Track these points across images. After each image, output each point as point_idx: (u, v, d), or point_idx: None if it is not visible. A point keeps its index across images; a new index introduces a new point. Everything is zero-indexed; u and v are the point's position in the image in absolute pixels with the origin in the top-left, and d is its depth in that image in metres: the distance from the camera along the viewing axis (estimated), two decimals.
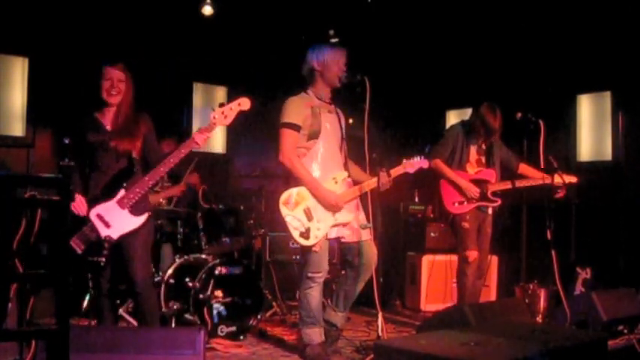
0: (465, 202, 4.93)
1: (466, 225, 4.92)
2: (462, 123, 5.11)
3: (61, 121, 5.55)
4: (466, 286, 4.91)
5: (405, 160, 4.19)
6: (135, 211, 3.55)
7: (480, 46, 6.61)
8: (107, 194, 3.54)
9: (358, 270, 4.05)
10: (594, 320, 4.16)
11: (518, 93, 6.24)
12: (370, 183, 4.03)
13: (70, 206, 3.42)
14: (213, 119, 3.62)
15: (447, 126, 7.27)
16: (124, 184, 3.55)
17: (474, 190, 4.90)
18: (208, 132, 3.60)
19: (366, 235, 4.03)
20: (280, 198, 3.92)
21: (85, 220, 3.49)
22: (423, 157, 4.25)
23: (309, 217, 3.89)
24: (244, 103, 3.67)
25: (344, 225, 3.99)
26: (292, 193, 3.92)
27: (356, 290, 4.11)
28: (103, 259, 3.46)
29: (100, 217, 3.50)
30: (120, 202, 3.52)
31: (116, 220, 3.50)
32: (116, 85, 3.62)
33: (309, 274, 3.96)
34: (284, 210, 3.88)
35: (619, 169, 5.97)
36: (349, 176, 4.07)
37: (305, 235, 3.86)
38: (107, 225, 3.49)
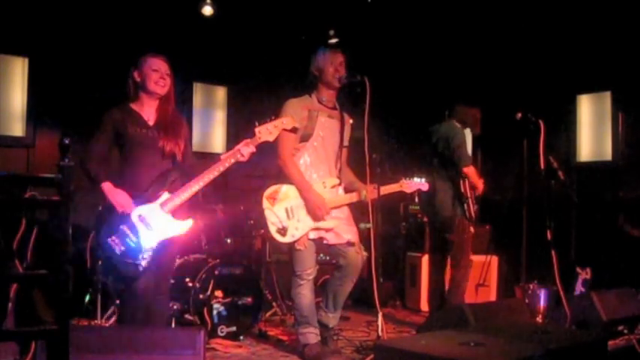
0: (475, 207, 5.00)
1: (472, 230, 4.99)
2: (457, 125, 5.08)
3: (62, 121, 5.57)
4: (464, 290, 4.95)
5: (403, 180, 4.22)
6: (178, 215, 3.46)
7: (480, 46, 6.61)
8: (149, 195, 3.41)
9: (343, 271, 4.08)
10: (594, 320, 4.16)
11: (518, 93, 6.24)
12: (353, 196, 4.08)
13: (113, 203, 3.30)
14: (259, 134, 3.62)
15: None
16: (168, 187, 3.44)
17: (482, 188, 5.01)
18: (254, 145, 3.61)
19: (351, 238, 4.05)
20: (265, 191, 3.98)
21: (124, 218, 3.34)
22: (424, 180, 4.26)
23: (289, 216, 3.94)
24: (288, 123, 3.72)
25: (326, 230, 4.01)
26: (278, 189, 3.99)
27: (344, 291, 4.14)
28: (143, 264, 3.32)
29: (142, 218, 3.37)
30: (163, 206, 3.41)
31: (158, 223, 3.39)
32: (165, 77, 3.53)
33: (296, 273, 4.02)
34: (265, 203, 3.95)
35: (619, 169, 5.96)
36: (340, 184, 4.10)
37: (282, 232, 3.92)
38: (149, 228, 3.37)
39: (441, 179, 4.99)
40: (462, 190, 4.94)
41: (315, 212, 3.94)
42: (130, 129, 3.43)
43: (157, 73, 3.51)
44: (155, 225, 3.38)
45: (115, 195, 3.33)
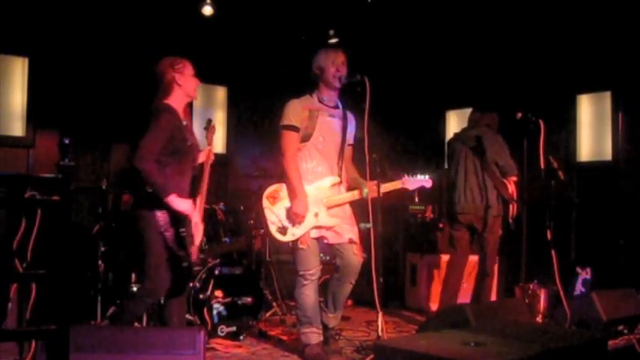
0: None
1: (501, 231, 5.17)
2: (490, 131, 5.22)
3: (62, 121, 5.57)
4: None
5: (405, 176, 4.17)
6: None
7: (480, 46, 6.61)
8: (192, 202, 3.55)
9: (340, 272, 4.09)
10: (594, 320, 4.16)
11: (518, 93, 6.24)
12: (355, 194, 4.08)
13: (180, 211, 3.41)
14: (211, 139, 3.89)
15: (447, 126, 7.31)
16: (194, 194, 3.60)
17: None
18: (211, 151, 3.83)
19: (351, 238, 4.05)
20: (266, 190, 4.00)
21: (190, 226, 3.48)
22: (427, 177, 4.21)
23: (289, 215, 3.94)
24: (215, 129, 3.97)
25: (327, 229, 4.02)
26: (278, 188, 4.00)
27: (343, 291, 4.14)
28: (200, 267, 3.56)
29: (196, 225, 3.55)
30: (199, 212, 3.60)
31: (198, 229, 3.58)
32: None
33: (300, 272, 4.01)
34: (265, 202, 3.97)
35: (619, 169, 5.96)
36: (341, 182, 4.10)
37: (282, 231, 3.94)
38: (198, 234, 3.56)
39: (488, 180, 5.11)
40: (510, 191, 5.10)
41: (291, 216, 3.94)
42: (188, 139, 3.54)
43: (196, 80, 3.65)
44: (198, 230, 3.57)
45: (183, 205, 3.43)
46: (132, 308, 3.62)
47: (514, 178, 5.10)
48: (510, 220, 5.08)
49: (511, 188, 5.10)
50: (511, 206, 5.07)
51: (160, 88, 3.59)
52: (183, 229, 3.44)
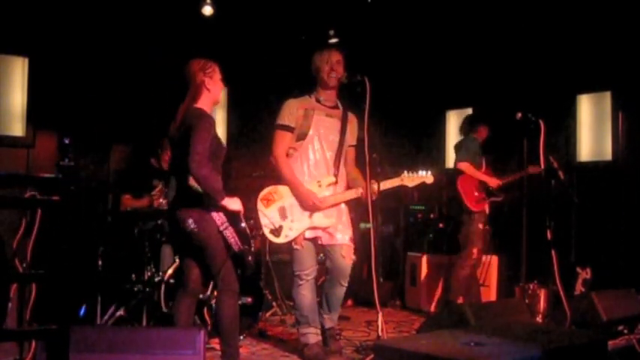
0: (483, 199, 5.36)
1: (481, 226, 5.32)
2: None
3: (62, 121, 5.57)
4: (464, 280, 5.33)
5: (405, 173, 4.15)
6: None
7: (480, 46, 6.61)
8: None
9: (330, 274, 4.11)
10: (594, 320, 4.16)
11: (518, 93, 6.24)
12: (352, 193, 4.07)
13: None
14: None
15: (447, 126, 7.32)
16: None
17: (495, 183, 5.37)
18: None
19: (342, 240, 4.05)
20: (260, 193, 4.00)
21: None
22: (429, 173, 4.18)
23: (283, 217, 3.95)
24: None
25: (323, 229, 4.02)
26: (273, 190, 4.01)
27: (336, 292, 4.14)
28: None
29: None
30: None
31: None
32: None
33: (296, 272, 4.03)
34: (259, 205, 3.98)
35: (619, 169, 5.96)
36: (336, 182, 4.09)
37: (275, 232, 3.94)
38: None
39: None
40: (458, 188, 5.34)
41: (307, 206, 3.95)
42: (223, 142, 3.55)
43: (222, 85, 3.60)
44: None
45: (235, 204, 3.42)
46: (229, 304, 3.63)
47: (460, 165, 5.34)
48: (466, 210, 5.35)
49: (457, 183, 5.37)
50: (463, 205, 5.35)
51: (189, 90, 3.51)
52: (244, 225, 3.45)
